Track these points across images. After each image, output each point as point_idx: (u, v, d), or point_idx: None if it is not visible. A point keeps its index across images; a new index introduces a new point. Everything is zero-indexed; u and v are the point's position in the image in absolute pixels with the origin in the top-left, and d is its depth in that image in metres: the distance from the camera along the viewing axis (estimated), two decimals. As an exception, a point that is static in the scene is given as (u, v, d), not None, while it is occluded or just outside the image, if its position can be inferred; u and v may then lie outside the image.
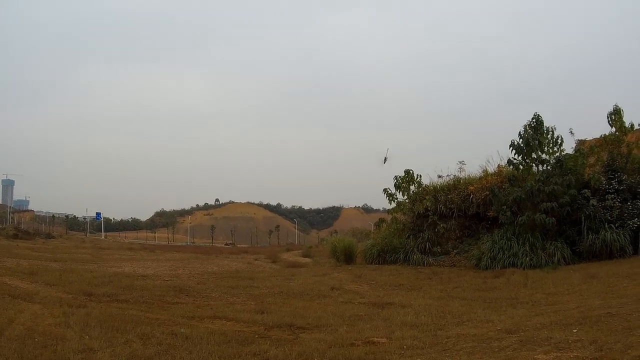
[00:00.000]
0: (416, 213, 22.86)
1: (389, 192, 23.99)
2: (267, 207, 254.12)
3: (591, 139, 22.86)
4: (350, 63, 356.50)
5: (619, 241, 16.84)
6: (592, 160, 20.45)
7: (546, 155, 19.91)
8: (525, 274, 15.67)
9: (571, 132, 21.24)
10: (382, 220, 27.77)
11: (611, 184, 18.30)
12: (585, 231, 17.65)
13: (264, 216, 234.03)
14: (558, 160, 19.17)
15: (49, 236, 75.89)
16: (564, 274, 14.88)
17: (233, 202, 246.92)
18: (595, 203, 17.93)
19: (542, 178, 18.72)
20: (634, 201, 17.92)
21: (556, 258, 17.22)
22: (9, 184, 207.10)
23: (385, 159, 26.30)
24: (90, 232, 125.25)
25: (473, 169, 24.12)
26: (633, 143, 20.32)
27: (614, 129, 21.18)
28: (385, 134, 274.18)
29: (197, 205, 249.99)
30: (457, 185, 22.61)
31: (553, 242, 17.76)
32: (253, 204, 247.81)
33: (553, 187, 18.03)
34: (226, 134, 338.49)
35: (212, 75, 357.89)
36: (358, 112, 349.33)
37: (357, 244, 25.92)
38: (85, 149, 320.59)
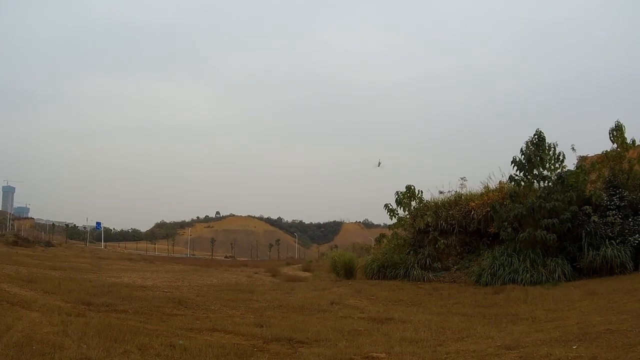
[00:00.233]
0: (417, 229, 22.80)
1: (390, 207, 23.99)
2: (268, 220, 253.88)
3: (593, 155, 22.89)
4: (354, 80, 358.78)
5: (619, 257, 16.76)
6: (593, 176, 20.44)
7: (548, 171, 19.87)
8: (525, 290, 15.61)
9: (573, 148, 21.23)
10: (382, 236, 27.66)
11: (612, 200, 18.28)
12: (585, 247, 17.58)
13: (264, 230, 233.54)
14: (559, 176, 19.15)
15: (48, 244, 76.02)
16: (564, 290, 14.83)
17: (234, 215, 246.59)
18: (596, 219, 17.90)
19: (543, 194, 18.70)
20: (635, 217, 17.88)
21: (556, 274, 17.15)
22: (9, 191, 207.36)
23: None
24: (90, 242, 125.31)
25: (474, 185, 24.14)
26: (634, 159, 20.31)
27: (615, 145, 21.21)
28: (387, 150, 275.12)
29: (198, 217, 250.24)
30: (458, 201, 22.56)
31: (554, 259, 17.69)
32: (254, 217, 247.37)
33: (554, 203, 18.01)
34: (228, 147, 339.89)
35: (214, 88, 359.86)
36: (360, 129, 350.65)
37: (358, 259, 25.84)
38: (86, 159, 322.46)
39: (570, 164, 20.66)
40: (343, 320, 11.57)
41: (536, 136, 20.02)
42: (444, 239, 21.73)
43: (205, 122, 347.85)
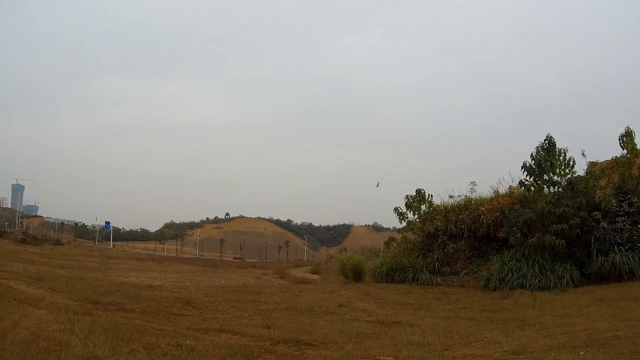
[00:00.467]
0: (426, 232, 22.77)
1: (400, 211, 23.95)
2: (277, 222, 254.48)
3: (603, 161, 22.73)
4: (364, 84, 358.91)
5: (628, 264, 16.63)
6: (603, 182, 20.29)
7: (558, 177, 19.77)
8: (533, 295, 15.52)
9: (583, 154, 21.14)
10: (392, 239, 27.59)
11: (622, 206, 18.14)
12: (594, 253, 17.46)
13: (273, 232, 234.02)
14: (569, 182, 19.05)
15: (57, 243, 76.45)
16: (572, 296, 14.73)
17: (243, 217, 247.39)
18: (605, 225, 17.77)
19: (553, 200, 18.62)
20: (645, 224, 17.74)
21: (565, 280, 17.03)
22: (19, 189, 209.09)
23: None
24: (98, 241, 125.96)
25: (484, 190, 24.01)
26: (644, 165, 20.14)
27: (625, 151, 21.05)
28: (397, 154, 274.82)
29: (207, 218, 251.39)
30: (467, 206, 22.49)
31: (562, 264, 17.59)
32: (263, 219, 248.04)
33: (564, 209, 17.91)
34: (238, 149, 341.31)
35: (226, 90, 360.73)
36: (370, 131, 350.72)
37: (366, 262, 25.79)
38: (96, 158, 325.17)
39: (580, 169, 20.56)
40: (351, 323, 11.56)
41: (547, 141, 19.92)
42: (453, 243, 21.68)
43: (216, 123, 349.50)
